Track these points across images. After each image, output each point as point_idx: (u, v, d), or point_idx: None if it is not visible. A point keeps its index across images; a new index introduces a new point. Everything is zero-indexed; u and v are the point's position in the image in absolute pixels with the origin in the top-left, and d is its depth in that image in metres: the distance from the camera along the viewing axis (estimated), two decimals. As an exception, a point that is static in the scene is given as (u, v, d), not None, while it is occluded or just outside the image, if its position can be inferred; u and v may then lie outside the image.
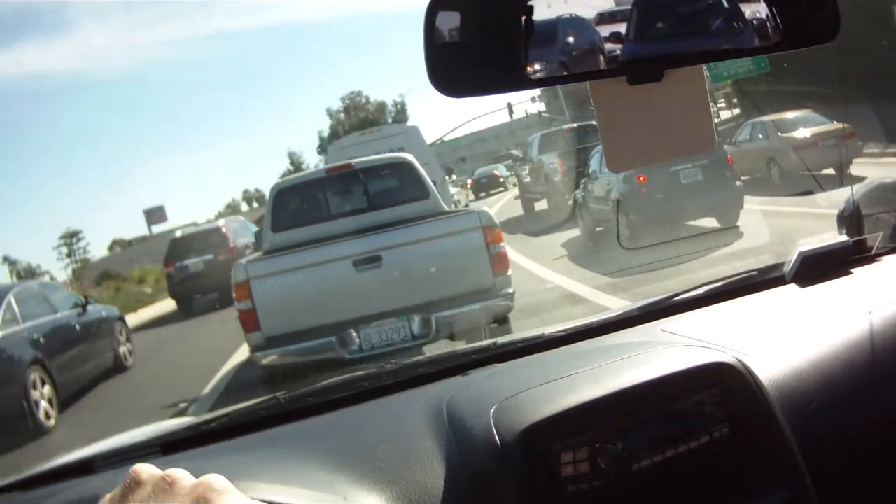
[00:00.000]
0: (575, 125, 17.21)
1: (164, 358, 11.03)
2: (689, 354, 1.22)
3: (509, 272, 5.37)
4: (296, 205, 6.37)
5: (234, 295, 5.37)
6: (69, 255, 56.97)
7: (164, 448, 1.52)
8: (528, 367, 1.41)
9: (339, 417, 1.43)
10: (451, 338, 5.28)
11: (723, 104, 19.47)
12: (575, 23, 0.92)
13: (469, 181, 29.99)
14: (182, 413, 5.96)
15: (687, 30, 0.94)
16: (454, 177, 29.62)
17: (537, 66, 0.91)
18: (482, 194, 27.64)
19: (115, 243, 60.06)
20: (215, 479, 0.69)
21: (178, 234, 18.62)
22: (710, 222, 9.08)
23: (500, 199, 24.06)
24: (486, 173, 29.86)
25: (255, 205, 65.11)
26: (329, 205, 6.38)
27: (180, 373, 8.77)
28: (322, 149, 51.63)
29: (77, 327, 9.12)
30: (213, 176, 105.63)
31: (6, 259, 58.35)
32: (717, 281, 1.70)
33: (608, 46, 0.92)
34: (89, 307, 9.80)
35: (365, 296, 5.15)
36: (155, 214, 53.90)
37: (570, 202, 13.52)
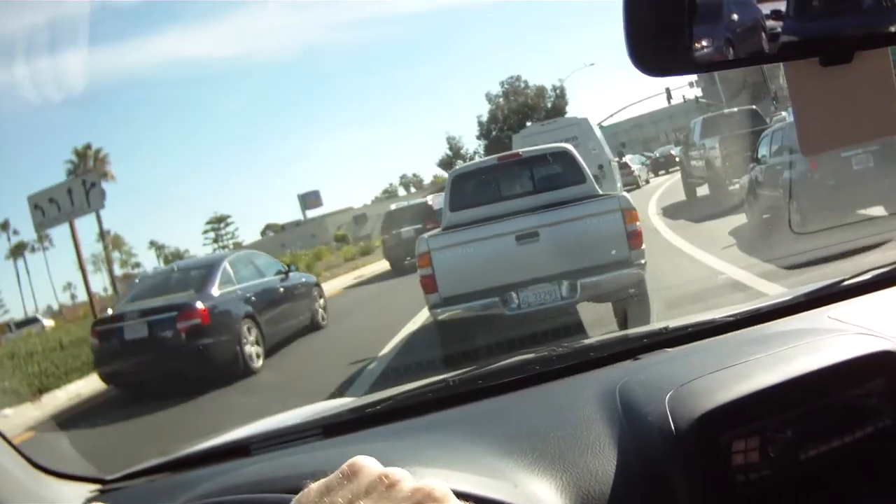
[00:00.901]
0: (735, 109, 16.87)
1: (359, 315, 12.46)
2: (857, 343, 1.19)
3: (643, 246, 5.98)
4: (470, 188, 7.24)
5: (417, 263, 6.35)
6: (216, 241, 58.29)
7: (327, 430, 1.51)
8: (699, 354, 1.38)
9: (509, 401, 1.41)
10: (593, 300, 6.04)
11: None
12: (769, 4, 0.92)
13: (650, 159, 30.69)
14: (360, 372, 6.97)
15: (875, 10, 0.91)
16: (637, 155, 31.31)
17: (735, 48, 0.91)
18: (661, 172, 28.57)
19: (268, 227, 60.43)
20: (436, 486, 0.66)
21: (393, 207, 21.15)
22: (879, 211, 8.78)
23: (669, 180, 24.11)
24: (665, 153, 32.31)
25: (413, 190, 64.84)
26: (499, 188, 7.22)
27: (366, 333, 9.83)
28: (481, 134, 51.50)
29: (281, 289, 10.50)
30: (369, 161, 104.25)
31: (153, 243, 60.00)
32: (885, 266, 1.62)
33: (799, 27, 0.91)
34: (291, 273, 11.19)
35: (524, 264, 5.95)
36: (310, 199, 54.51)
37: (732, 187, 13.83)
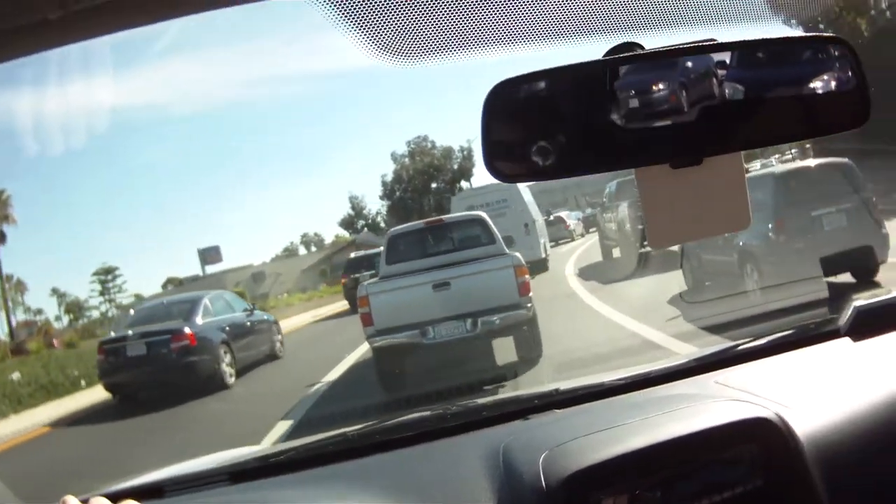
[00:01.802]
0: None
1: (311, 349, 15.16)
2: (732, 409, 1.26)
3: (530, 294, 8.09)
4: (402, 245, 9.32)
5: (358, 304, 8.52)
6: (102, 294, 54.86)
7: (233, 477, 1.56)
8: (583, 415, 1.44)
9: (402, 456, 1.46)
10: (492, 334, 8.13)
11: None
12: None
13: (582, 217, 31.15)
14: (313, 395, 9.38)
15: (724, 117, 0.96)
16: (574, 212, 31.93)
17: (584, 154, 0.97)
18: (592, 229, 28.64)
19: (168, 281, 57.19)
20: None
21: (352, 255, 24.12)
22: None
23: (586, 241, 24.74)
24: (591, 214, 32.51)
25: (314, 249, 62.70)
26: (425, 246, 9.32)
27: (317, 361, 12.38)
28: (384, 194, 51.32)
29: (248, 323, 13.26)
30: (270, 219, 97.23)
31: (55, 291, 55.74)
32: (775, 333, 1.69)
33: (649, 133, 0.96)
34: (255, 311, 14.05)
35: (438, 306, 8.00)
36: (210, 255, 52.46)
37: (644, 250, 14.34)
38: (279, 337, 14.40)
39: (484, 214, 9.75)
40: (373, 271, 18.76)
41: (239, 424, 8.45)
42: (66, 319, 51.75)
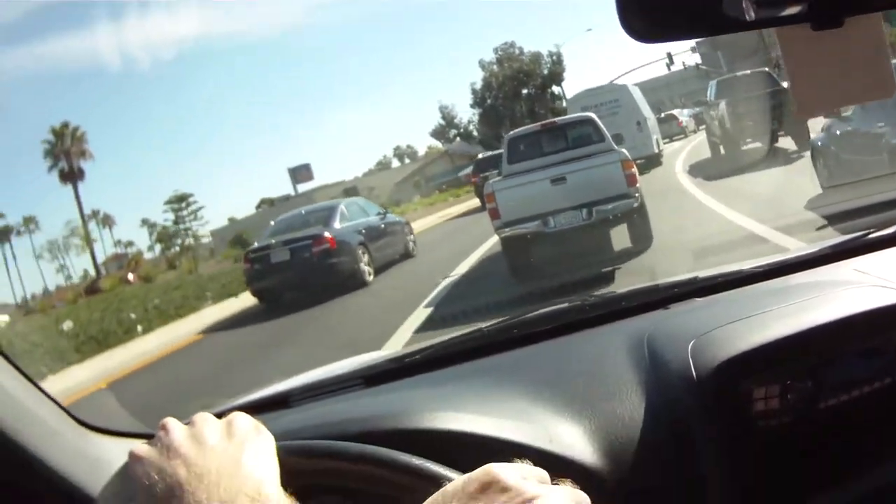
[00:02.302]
0: (749, 72, 18.03)
1: (441, 246, 15.84)
2: (878, 295, 1.22)
3: (637, 185, 8.69)
4: (521, 147, 10.13)
5: (486, 199, 9.37)
6: (176, 223, 53.36)
7: (367, 381, 1.53)
8: (725, 303, 1.40)
9: (542, 350, 1.43)
10: (603, 223, 8.75)
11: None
12: None
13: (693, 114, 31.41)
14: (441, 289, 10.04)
15: None
16: (686, 109, 31.73)
17: (728, 10, 0.91)
18: (702, 126, 29.55)
19: (262, 202, 56.55)
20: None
21: (479, 156, 23.88)
22: None
23: (694, 139, 25.19)
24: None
25: (407, 161, 61.71)
26: (542, 146, 10.06)
27: (448, 256, 12.89)
28: (475, 102, 49.84)
29: (381, 225, 13.87)
30: (361, 135, 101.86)
31: (145, 221, 56.38)
32: None
33: None
34: (387, 214, 14.74)
35: (556, 198, 8.70)
36: (301, 173, 51.99)
37: (746, 147, 15.63)
38: (411, 237, 15.01)
39: (594, 115, 10.43)
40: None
41: (377, 318, 9.06)
42: (158, 249, 51.96)
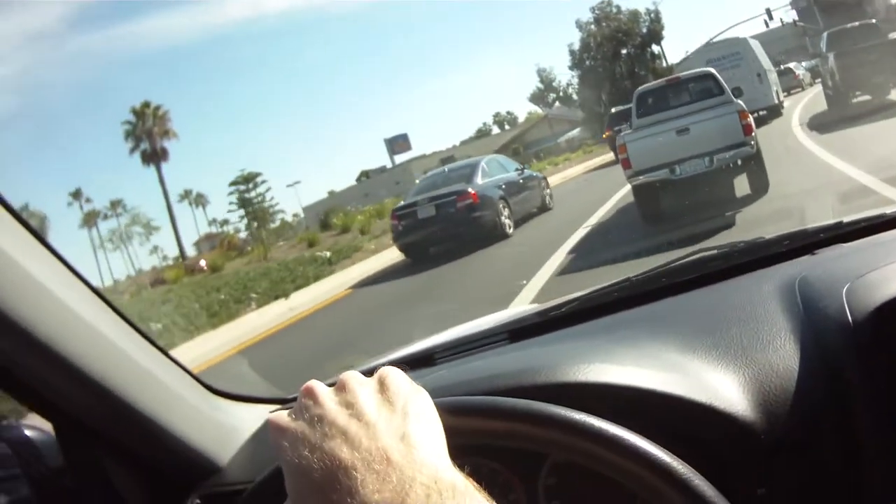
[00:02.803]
0: (857, 24, 17.76)
1: (576, 196, 16.57)
2: None
3: (753, 133, 9.25)
4: (648, 101, 10.90)
5: (618, 151, 10.27)
6: (243, 206, 51.44)
7: (512, 335, 1.51)
8: (874, 247, 1.35)
9: (690, 299, 1.40)
10: (725, 169, 9.37)
11: None
12: None
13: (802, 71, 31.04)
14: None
15: None
16: (802, 63, 30.99)
17: None
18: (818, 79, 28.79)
19: (362, 174, 55.68)
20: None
21: (613, 110, 24.37)
22: None
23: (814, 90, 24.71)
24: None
25: (507, 127, 58.96)
26: (668, 100, 10.81)
27: (585, 206, 13.54)
28: (574, 63, 47.74)
29: (520, 180, 14.68)
30: (459, 104, 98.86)
31: (186, 192, 55.73)
32: None
33: None
34: (525, 170, 15.53)
35: (681, 148, 9.40)
36: (398, 143, 50.48)
37: (855, 99, 15.60)
38: (548, 191, 15.82)
39: (713, 70, 11.15)
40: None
41: (519, 265, 9.75)
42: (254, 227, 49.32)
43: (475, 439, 0.95)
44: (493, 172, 14.23)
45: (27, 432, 1.17)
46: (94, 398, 1.10)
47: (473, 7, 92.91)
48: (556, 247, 9.88)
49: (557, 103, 52.55)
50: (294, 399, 1.32)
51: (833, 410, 1.02)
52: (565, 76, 62.12)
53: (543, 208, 15.31)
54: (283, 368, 6.90)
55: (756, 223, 7.91)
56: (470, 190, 13.09)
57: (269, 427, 0.71)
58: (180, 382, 1.26)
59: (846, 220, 1.53)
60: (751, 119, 9.46)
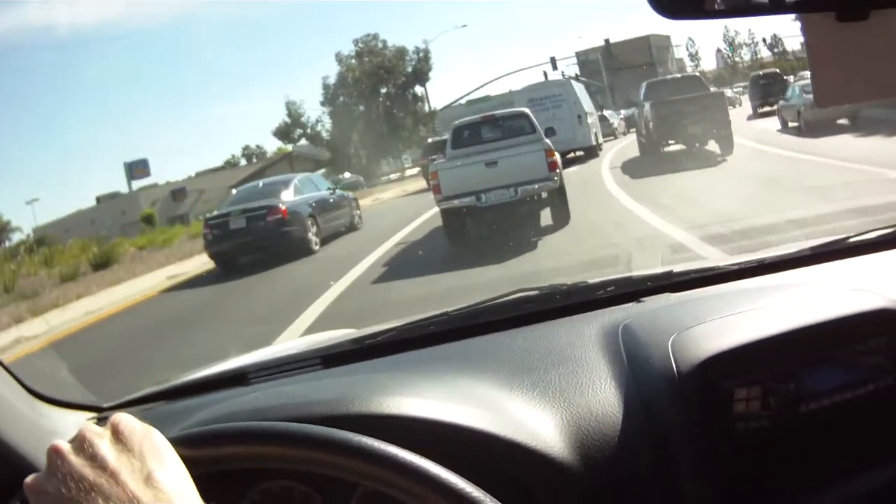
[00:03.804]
0: (679, 75, 19.37)
1: (382, 219, 17.34)
2: (859, 299, 1.19)
3: (557, 170, 10.33)
4: (464, 134, 11.95)
5: (430, 177, 11.04)
6: None
7: (325, 361, 1.48)
8: (702, 300, 1.36)
9: (510, 338, 1.37)
10: (528, 200, 10.42)
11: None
12: None
13: (623, 117, 32.48)
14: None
15: None
16: (616, 112, 32.50)
17: None
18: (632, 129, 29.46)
19: (97, 198, 52.58)
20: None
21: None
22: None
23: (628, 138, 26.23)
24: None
25: (254, 160, 56.61)
26: (481, 135, 11.84)
27: (391, 226, 14.46)
28: (326, 99, 45.26)
29: (331, 199, 15.42)
30: (208, 133, 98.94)
31: None
32: (889, 227, 1.56)
33: None
34: (336, 190, 16.27)
35: (489, 178, 10.33)
36: (137, 168, 48.66)
37: (666, 148, 16.40)
38: (358, 212, 16.65)
39: (527, 110, 12.36)
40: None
41: (319, 281, 10.04)
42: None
43: (250, 464, 0.97)
44: (305, 190, 14.89)
45: None
46: None
47: (234, 39, 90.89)
48: (351, 267, 10.53)
49: (304, 140, 49.76)
50: (109, 408, 1.43)
51: (651, 457, 1.04)
52: (316, 111, 59.27)
53: (352, 227, 16.11)
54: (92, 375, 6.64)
55: (557, 249, 8.98)
56: (280, 205, 13.67)
57: (27, 491, 0.77)
58: (2, 383, 1.21)
59: (675, 269, 1.56)
60: (557, 157, 10.59)
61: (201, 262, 15.00)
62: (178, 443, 0.87)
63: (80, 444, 0.78)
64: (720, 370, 1.07)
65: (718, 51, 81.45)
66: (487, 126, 11.98)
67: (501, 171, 10.29)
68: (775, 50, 76.98)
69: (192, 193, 47.06)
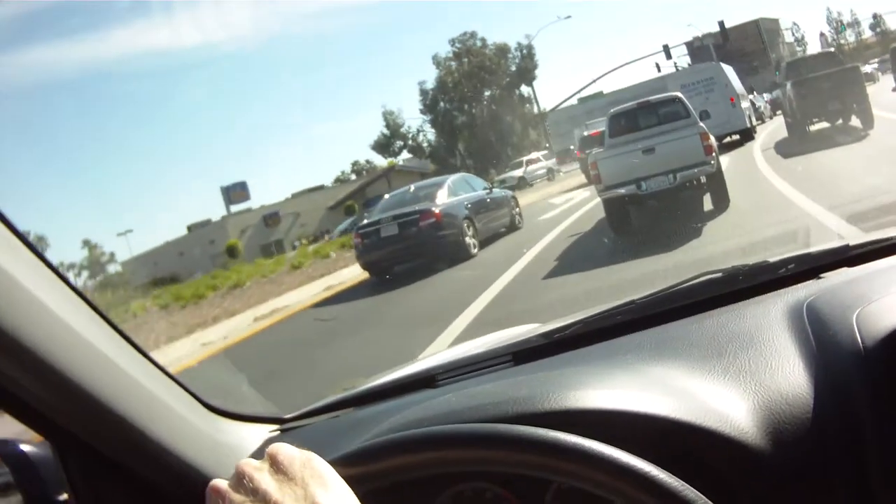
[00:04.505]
0: (816, 52, 18.07)
1: (546, 218, 16.06)
2: None
3: (713, 153, 9.97)
4: (620, 122, 11.79)
5: (589, 167, 11.08)
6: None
7: (516, 357, 1.49)
8: (881, 272, 1.32)
9: (696, 323, 1.34)
10: (688, 186, 10.18)
11: None
12: None
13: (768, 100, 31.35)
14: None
15: None
16: (761, 95, 30.69)
17: None
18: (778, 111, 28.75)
19: (188, 227, 48.75)
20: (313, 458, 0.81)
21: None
22: None
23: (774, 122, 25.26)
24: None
25: (365, 174, 51.39)
26: (637, 122, 11.64)
27: (551, 224, 13.38)
28: (425, 106, 41.45)
29: (487, 199, 14.28)
30: (310, 153, 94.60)
31: (86, 242, 51.04)
32: None
33: None
34: (494, 189, 15.18)
35: (647, 166, 10.10)
36: (235, 192, 46.16)
37: (812, 127, 16.31)
38: (517, 210, 15.43)
39: (680, 94, 12.16)
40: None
41: (478, 288, 9.34)
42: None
43: (458, 468, 0.99)
44: (459, 191, 13.86)
45: (25, 449, 1.16)
46: (92, 416, 1.08)
47: (329, 53, 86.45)
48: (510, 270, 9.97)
49: (405, 152, 46.56)
50: (293, 419, 1.49)
51: (844, 439, 1.01)
52: (416, 120, 55.18)
53: (513, 227, 14.91)
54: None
55: (720, 233, 8.64)
56: (433, 209, 12.69)
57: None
58: (179, 400, 1.25)
59: (852, 243, 1.50)
60: (712, 140, 10.22)
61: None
62: (340, 463, 0.91)
63: (240, 479, 0.79)
64: None
65: (822, 34, 76.68)
66: (643, 112, 11.81)
67: (659, 158, 10.12)
68: (878, 29, 73.84)
69: (288, 217, 43.95)
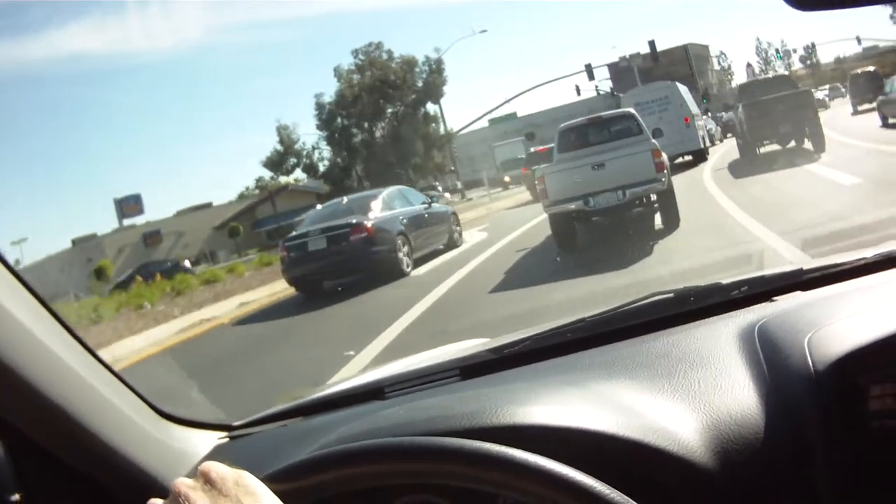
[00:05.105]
0: (770, 75, 18.26)
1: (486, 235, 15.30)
2: None
3: (665, 171, 9.77)
4: (571, 137, 11.47)
5: (536, 182, 10.73)
6: None
7: (464, 372, 1.48)
8: (835, 298, 1.32)
9: (646, 343, 1.36)
10: (636, 203, 10.14)
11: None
12: None
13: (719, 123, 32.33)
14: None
15: None
16: (710, 119, 31.01)
17: None
18: (729, 134, 28.96)
19: (73, 241, 45.27)
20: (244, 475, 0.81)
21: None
22: None
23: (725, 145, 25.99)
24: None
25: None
26: (587, 137, 11.41)
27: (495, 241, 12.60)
28: (321, 122, 38.97)
29: (425, 215, 13.35)
30: (221, 167, 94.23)
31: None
32: None
33: None
34: (433, 203, 14.18)
35: (596, 181, 9.86)
36: (128, 205, 43.42)
37: (762, 149, 16.37)
38: (457, 227, 14.56)
39: (633, 111, 11.96)
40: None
41: (408, 307, 8.73)
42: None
43: (399, 480, 1.02)
44: (394, 204, 12.94)
45: None
46: (42, 417, 1.10)
47: (235, 68, 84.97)
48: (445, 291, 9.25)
49: (299, 171, 43.68)
50: (241, 426, 1.54)
51: (795, 463, 1.03)
52: (311, 137, 51.24)
53: (451, 245, 14.01)
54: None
55: (670, 253, 8.52)
56: (366, 223, 11.76)
57: None
58: (130, 404, 1.27)
59: (806, 267, 1.53)
60: (664, 157, 9.97)
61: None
62: (273, 479, 0.94)
63: (175, 500, 0.79)
64: (856, 367, 1.06)
65: (748, 65, 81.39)
66: (594, 128, 11.61)
67: (608, 174, 9.92)
68: (808, 62, 78.19)
69: (170, 236, 41.24)
